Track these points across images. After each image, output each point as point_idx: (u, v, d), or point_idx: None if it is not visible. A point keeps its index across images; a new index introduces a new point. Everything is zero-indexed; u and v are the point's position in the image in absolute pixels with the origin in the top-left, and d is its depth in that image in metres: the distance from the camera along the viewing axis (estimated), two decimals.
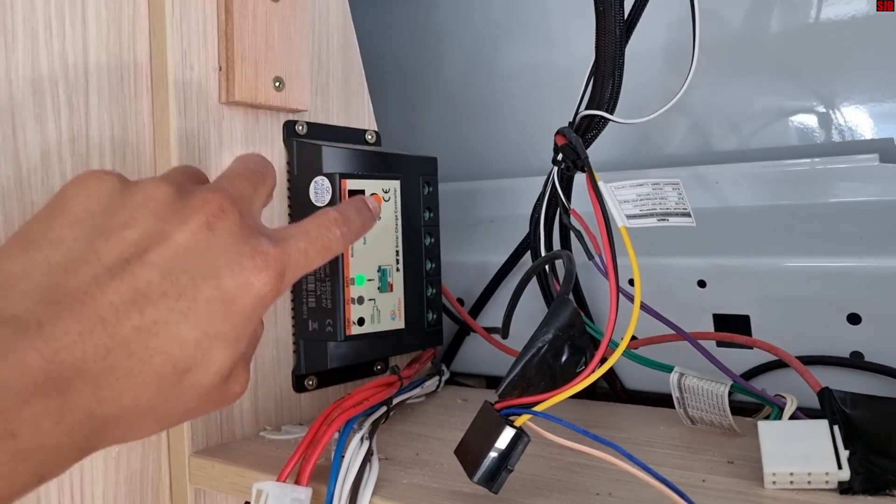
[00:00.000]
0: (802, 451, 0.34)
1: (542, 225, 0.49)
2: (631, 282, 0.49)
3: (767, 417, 0.41)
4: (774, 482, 0.34)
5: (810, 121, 0.56)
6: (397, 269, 0.49)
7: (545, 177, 0.48)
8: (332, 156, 0.46)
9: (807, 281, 0.47)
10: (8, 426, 0.24)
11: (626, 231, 0.37)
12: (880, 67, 0.53)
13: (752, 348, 0.49)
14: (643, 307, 0.43)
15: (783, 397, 0.40)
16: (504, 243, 0.60)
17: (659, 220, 0.38)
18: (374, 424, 0.41)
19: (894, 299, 0.45)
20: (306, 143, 0.47)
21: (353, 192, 0.46)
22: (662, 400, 0.47)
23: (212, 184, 0.32)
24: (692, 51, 0.42)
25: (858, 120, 0.54)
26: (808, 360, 0.46)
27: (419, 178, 0.51)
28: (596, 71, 0.44)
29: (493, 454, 0.33)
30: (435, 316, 0.52)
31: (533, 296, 0.52)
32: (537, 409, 0.33)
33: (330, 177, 0.46)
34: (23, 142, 0.38)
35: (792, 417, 0.39)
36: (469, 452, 0.34)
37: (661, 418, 0.46)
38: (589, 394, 0.56)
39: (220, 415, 0.44)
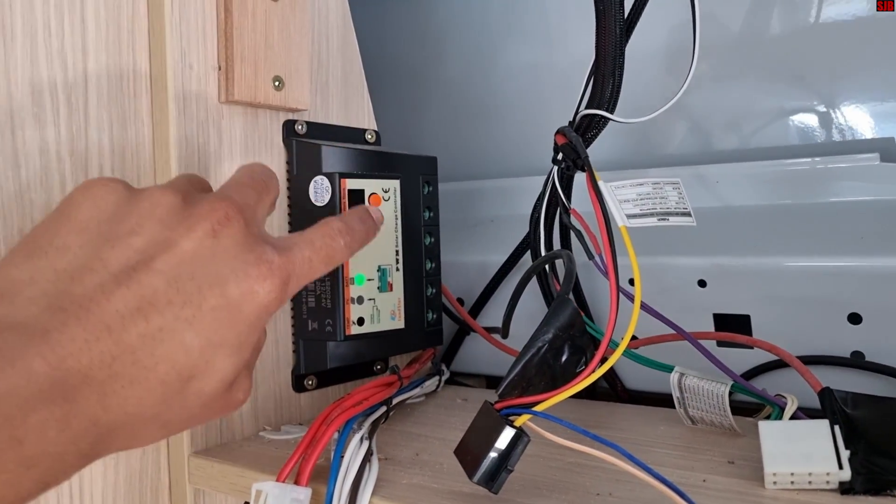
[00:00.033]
0: (803, 451, 0.34)
1: (542, 224, 0.49)
2: (631, 281, 0.49)
3: (768, 417, 0.41)
4: (775, 482, 0.34)
5: (811, 120, 0.55)
6: (397, 269, 0.49)
7: (545, 176, 0.48)
8: (332, 155, 0.46)
9: (807, 280, 0.47)
10: (14, 433, 0.24)
11: (626, 230, 0.37)
12: (881, 67, 0.53)
13: (752, 348, 0.49)
14: (643, 307, 0.43)
15: (784, 397, 0.40)
16: (504, 243, 0.60)
17: (659, 220, 0.38)
18: (374, 424, 0.41)
19: (895, 299, 0.45)
20: (306, 142, 0.47)
21: (352, 192, 0.46)
22: (663, 400, 0.47)
23: (217, 192, 0.32)
24: (692, 50, 0.42)
25: (859, 119, 0.54)
26: (809, 360, 0.46)
27: (419, 178, 0.51)
28: (596, 70, 0.43)
29: (492, 454, 0.32)
30: (435, 316, 0.52)
31: (533, 295, 0.52)
32: (537, 409, 0.33)
33: (329, 176, 0.46)
34: (21, 141, 0.38)
35: (793, 417, 0.39)
36: (469, 452, 0.34)
37: (661, 418, 0.46)
38: (589, 394, 0.56)
39: None
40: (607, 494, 0.34)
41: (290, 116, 0.48)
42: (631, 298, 0.36)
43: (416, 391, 0.51)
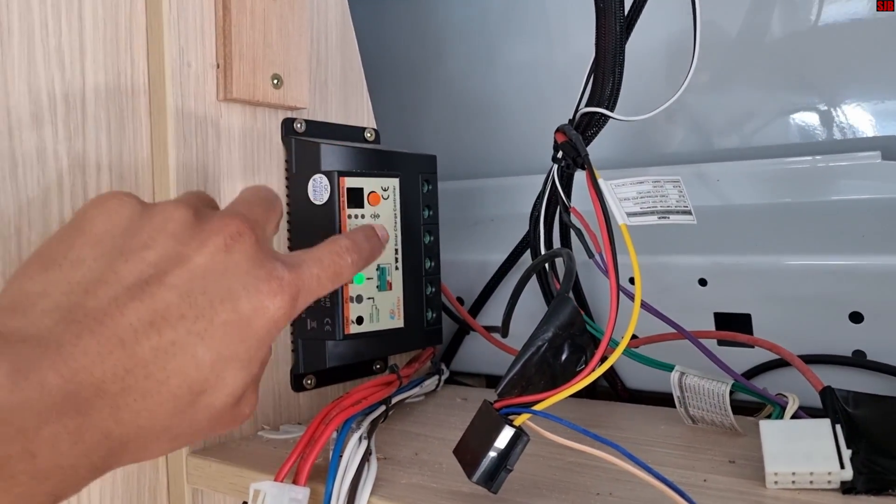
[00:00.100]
0: (804, 450, 0.33)
1: (542, 223, 0.49)
2: (631, 280, 0.49)
3: (769, 417, 0.40)
4: (776, 482, 0.33)
5: (812, 118, 0.55)
6: (396, 268, 0.49)
7: (545, 175, 0.48)
8: (331, 153, 0.46)
9: (808, 279, 0.47)
10: (28, 446, 0.24)
11: (626, 229, 0.36)
12: (883, 65, 0.53)
13: (753, 347, 0.49)
14: (644, 306, 0.42)
15: (785, 396, 0.39)
16: (504, 242, 0.60)
17: (660, 218, 0.38)
18: (373, 424, 0.41)
19: None
20: (305, 140, 0.47)
21: (351, 190, 0.46)
22: (663, 399, 0.47)
23: (226, 209, 0.33)
24: (693, 48, 0.42)
25: (860, 118, 0.54)
26: (810, 359, 0.46)
27: (418, 176, 0.50)
28: (596, 68, 0.43)
29: (492, 454, 0.32)
30: (434, 315, 0.52)
31: (533, 294, 0.52)
32: (537, 408, 0.33)
33: (328, 174, 0.45)
34: (18, 140, 0.38)
35: (794, 416, 0.38)
36: (468, 452, 0.34)
37: (661, 417, 0.46)
38: (589, 393, 0.56)
39: None
40: (607, 494, 0.34)
41: (289, 115, 0.48)
42: (631, 297, 0.36)
43: (416, 390, 0.50)
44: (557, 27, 0.67)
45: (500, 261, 0.59)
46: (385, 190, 0.48)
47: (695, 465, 0.37)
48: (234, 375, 0.29)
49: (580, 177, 0.42)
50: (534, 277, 0.53)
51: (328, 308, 0.45)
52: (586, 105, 0.44)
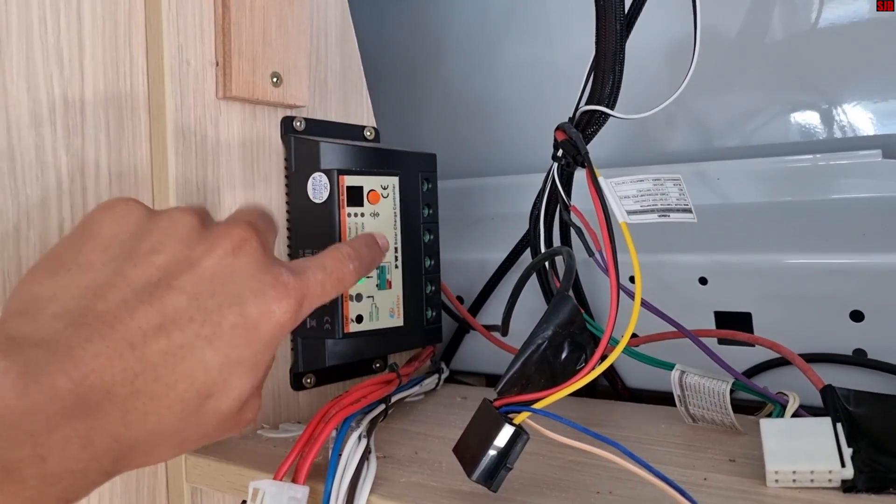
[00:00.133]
0: (805, 448, 0.33)
1: (541, 221, 0.49)
2: (631, 279, 0.49)
3: (770, 415, 0.40)
4: (777, 480, 0.33)
5: (813, 117, 0.55)
6: (396, 266, 0.48)
7: (545, 173, 0.48)
8: (331, 152, 0.46)
9: (809, 278, 0.47)
10: (38, 450, 0.24)
11: (626, 227, 0.36)
12: (884, 63, 0.53)
13: (753, 346, 0.49)
14: (644, 304, 0.42)
15: (785, 395, 0.39)
16: (504, 241, 0.59)
17: (660, 216, 0.38)
18: (373, 422, 0.41)
19: None
20: (304, 138, 0.47)
21: (351, 189, 0.46)
22: (664, 398, 0.47)
23: (230, 217, 0.34)
24: (693, 47, 0.42)
25: (861, 116, 0.53)
26: (811, 358, 0.46)
27: (418, 175, 0.50)
28: (596, 66, 0.43)
29: (491, 452, 0.32)
30: (434, 313, 0.52)
31: (533, 293, 0.52)
32: (537, 406, 0.32)
33: (328, 173, 0.45)
34: (17, 137, 0.38)
35: (794, 415, 0.38)
36: (468, 450, 0.34)
37: (662, 416, 0.46)
38: (589, 392, 0.56)
39: None
40: (607, 493, 0.34)
41: (289, 113, 0.48)
42: (631, 296, 0.36)
43: (415, 389, 0.50)
44: (557, 26, 0.67)
45: (500, 259, 0.59)
46: (385, 188, 0.48)
47: (695, 464, 0.37)
48: (240, 379, 0.30)
49: (580, 175, 0.41)
50: (534, 276, 0.52)
51: (328, 306, 0.45)
52: (586, 103, 0.44)
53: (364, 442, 0.37)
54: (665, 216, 0.38)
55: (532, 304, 0.51)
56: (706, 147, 0.59)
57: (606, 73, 0.43)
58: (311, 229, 0.46)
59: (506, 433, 0.32)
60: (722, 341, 0.50)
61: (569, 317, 0.34)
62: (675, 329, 0.44)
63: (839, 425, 0.34)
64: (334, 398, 0.41)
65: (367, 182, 0.47)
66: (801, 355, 0.41)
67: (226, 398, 0.29)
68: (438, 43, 0.75)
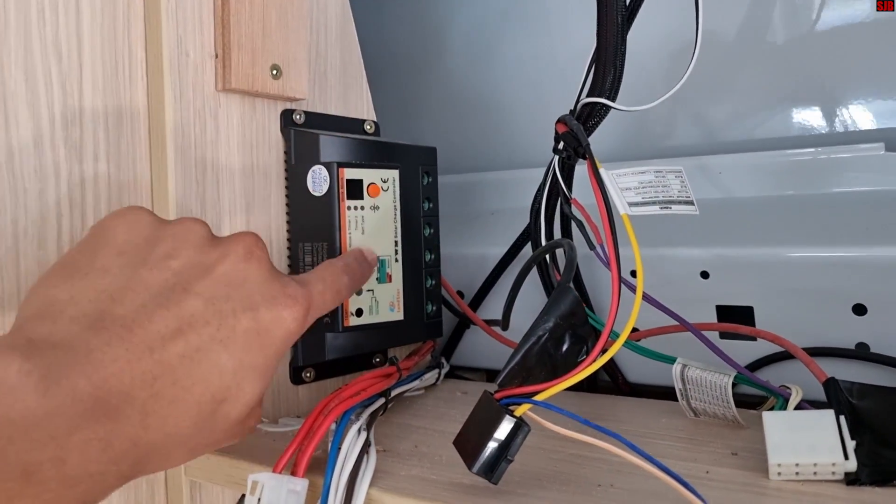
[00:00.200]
0: (808, 441, 0.33)
1: (542, 215, 0.48)
2: (633, 273, 0.49)
3: (772, 409, 0.40)
4: (780, 473, 0.33)
5: (815, 111, 0.55)
6: (396, 260, 0.48)
7: (545, 167, 0.47)
8: (330, 144, 0.46)
9: (811, 272, 0.47)
10: (59, 453, 0.24)
11: (627, 218, 0.36)
12: (887, 57, 0.53)
13: (755, 339, 0.48)
14: (645, 297, 0.42)
15: (788, 388, 0.39)
16: (504, 235, 0.59)
17: (661, 208, 0.38)
18: (372, 416, 0.40)
19: None
20: (304, 131, 0.47)
21: (351, 182, 0.46)
22: (665, 393, 0.46)
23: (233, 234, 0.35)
24: (695, 40, 0.41)
25: (864, 110, 0.53)
26: (813, 352, 0.46)
27: (418, 168, 0.50)
28: (597, 59, 0.43)
29: (492, 444, 0.32)
30: (434, 307, 0.52)
31: (534, 287, 0.51)
32: (538, 398, 0.32)
33: (328, 166, 0.45)
34: (15, 129, 0.38)
35: (797, 408, 0.38)
36: (468, 443, 0.34)
37: (663, 410, 0.45)
38: (590, 387, 0.56)
39: None
40: (608, 485, 0.34)
41: (288, 106, 0.48)
42: (632, 289, 0.35)
43: (415, 384, 0.50)
44: (558, 20, 0.67)
45: (501, 254, 0.59)
46: (385, 182, 0.48)
47: (697, 458, 0.37)
48: (251, 385, 0.30)
49: (581, 170, 0.41)
50: (534, 271, 0.52)
51: None
52: (587, 96, 0.44)
53: (364, 435, 0.37)
54: (667, 208, 0.38)
55: (533, 298, 0.50)
56: (707, 141, 0.59)
57: (607, 66, 0.42)
58: (311, 222, 0.46)
59: (506, 425, 0.32)
60: (724, 335, 0.50)
61: (570, 309, 0.34)
62: (676, 323, 0.44)
63: (842, 418, 0.33)
64: (334, 392, 0.41)
65: (367, 175, 0.47)
66: (803, 349, 0.41)
67: (237, 403, 0.30)
68: (439, 38, 0.75)
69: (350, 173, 0.46)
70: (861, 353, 0.46)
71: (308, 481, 0.35)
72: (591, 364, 0.33)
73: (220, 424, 0.30)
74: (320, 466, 0.35)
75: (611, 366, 0.55)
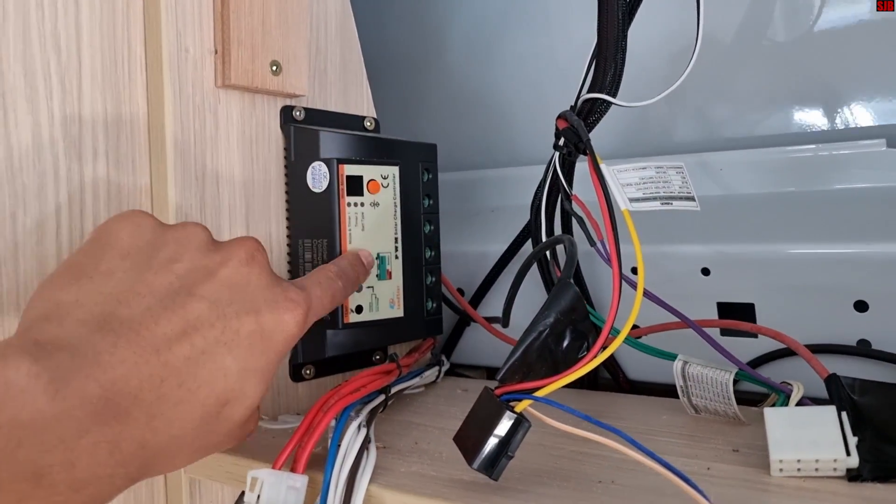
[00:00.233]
0: (810, 437, 0.33)
1: (543, 212, 0.48)
2: (634, 270, 0.49)
3: (773, 405, 0.40)
4: (781, 469, 0.33)
5: (817, 108, 0.55)
6: (396, 257, 0.48)
7: (546, 165, 0.47)
8: (330, 141, 0.46)
9: (813, 268, 0.47)
10: (68, 456, 0.24)
11: (628, 214, 0.36)
12: (887, 56, 0.52)
13: (756, 336, 0.48)
14: (646, 294, 0.42)
15: (789, 384, 0.39)
16: (504, 233, 0.59)
17: (662, 204, 0.38)
18: (372, 412, 0.40)
19: None
20: (304, 128, 0.46)
21: (351, 178, 0.45)
22: (666, 391, 0.46)
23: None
24: (696, 36, 0.41)
25: (866, 106, 0.53)
26: (815, 349, 0.45)
27: (418, 165, 0.50)
28: (598, 54, 0.43)
29: (492, 440, 0.32)
30: (434, 304, 0.52)
31: (534, 284, 0.51)
32: (538, 394, 0.32)
33: (328, 162, 0.45)
34: (13, 123, 0.37)
35: (798, 404, 0.38)
36: (468, 439, 0.34)
37: (664, 408, 0.45)
38: (591, 384, 0.55)
39: None
40: (609, 482, 0.33)
41: (288, 102, 0.47)
42: (633, 286, 0.35)
43: (416, 381, 0.50)
44: (558, 17, 0.67)
45: (501, 251, 0.59)
46: (385, 178, 0.47)
47: (698, 454, 0.37)
48: (254, 388, 0.30)
49: (582, 167, 0.41)
50: (535, 268, 0.52)
51: None
52: (588, 91, 0.43)
53: (364, 431, 0.36)
54: (668, 204, 0.37)
55: (533, 295, 0.50)
56: (708, 138, 0.59)
57: (608, 61, 0.42)
58: (311, 219, 0.46)
59: (507, 421, 0.32)
60: (725, 332, 0.50)
61: (571, 304, 0.34)
62: (677, 319, 0.44)
63: (844, 414, 0.33)
64: (333, 388, 0.41)
65: (367, 171, 0.46)
66: (804, 346, 0.41)
67: (239, 406, 0.30)
68: (439, 36, 0.75)
69: (350, 170, 0.45)
70: (863, 349, 0.46)
71: (308, 478, 0.35)
72: (591, 360, 0.33)
73: (224, 426, 0.30)
74: (320, 463, 0.35)
75: (612, 363, 0.55)
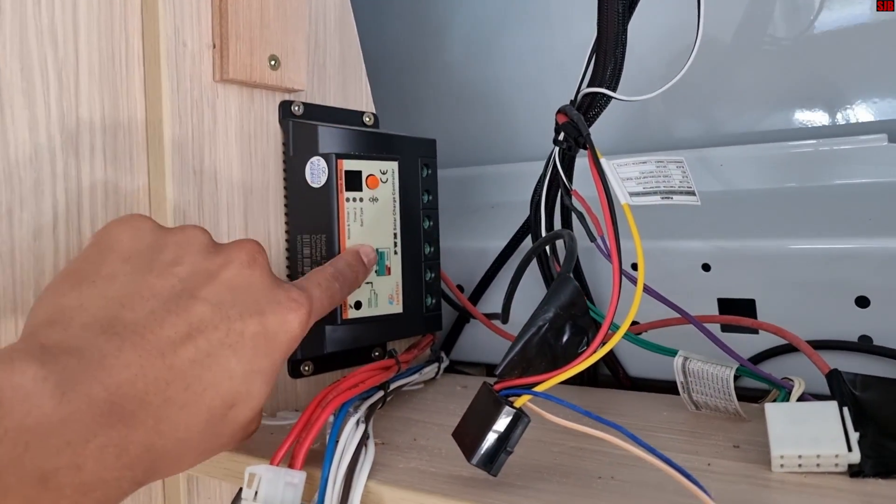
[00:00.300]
0: (811, 433, 0.33)
1: (542, 207, 0.48)
2: (634, 266, 0.48)
3: (774, 402, 0.40)
4: (782, 465, 0.33)
5: (817, 103, 0.54)
6: (395, 252, 0.48)
7: (545, 160, 0.47)
8: (329, 136, 0.45)
9: (814, 264, 0.46)
10: (75, 459, 0.24)
11: (628, 209, 0.36)
12: (888, 55, 0.52)
13: (757, 332, 0.48)
14: (646, 290, 0.42)
15: (790, 380, 0.39)
16: (504, 229, 0.59)
17: (663, 198, 0.37)
18: (371, 408, 0.40)
19: None
20: (302, 122, 0.46)
21: (349, 173, 0.45)
22: (666, 388, 0.46)
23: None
24: (696, 31, 0.41)
25: (867, 101, 0.53)
26: (816, 345, 0.45)
27: (418, 160, 0.50)
28: (598, 48, 0.43)
29: (491, 436, 0.32)
30: (434, 301, 0.51)
31: (534, 281, 0.51)
32: (538, 389, 0.32)
33: (326, 157, 0.45)
34: (10, 118, 0.37)
35: (800, 400, 0.37)
36: (467, 435, 0.33)
37: (664, 404, 0.45)
38: (591, 381, 0.55)
39: None
40: (609, 478, 0.33)
41: (287, 97, 0.47)
42: (633, 281, 0.35)
43: (415, 377, 0.50)
44: (558, 13, 0.67)
45: (500, 248, 0.59)
46: (384, 173, 0.47)
47: (699, 450, 0.37)
48: (259, 389, 0.31)
49: (582, 162, 0.41)
50: (535, 264, 0.52)
51: None
52: (588, 86, 0.43)
53: (362, 427, 0.36)
54: (668, 198, 0.37)
55: (533, 291, 0.50)
56: (709, 133, 0.58)
57: (608, 55, 0.42)
58: (310, 214, 0.45)
59: (506, 416, 0.32)
60: (725, 328, 0.49)
61: (570, 299, 0.34)
62: (678, 315, 0.43)
63: (846, 409, 0.33)
64: (332, 384, 0.41)
65: (366, 167, 0.46)
66: (805, 342, 0.41)
67: (245, 408, 0.30)
68: (439, 32, 0.74)
69: (349, 165, 0.45)
70: (864, 345, 0.45)
71: (306, 474, 0.34)
72: (591, 355, 0.33)
73: (229, 428, 0.30)
74: (318, 459, 0.35)
75: (612, 359, 0.55)
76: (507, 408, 0.32)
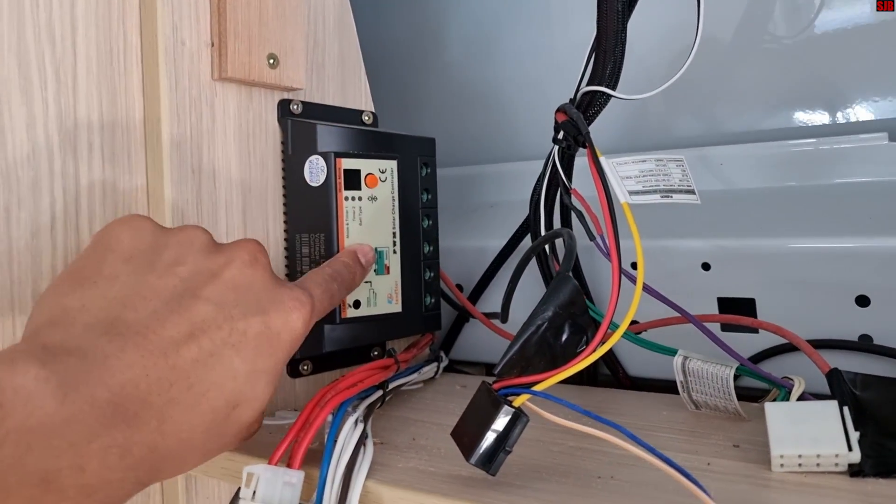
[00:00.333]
0: (811, 432, 0.32)
1: (542, 206, 0.48)
2: (633, 265, 0.48)
3: (774, 401, 0.40)
4: (782, 465, 0.33)
5: (818, 102, 0.54)
6: (394, 252, 0.48)
7: (545, 159, 0.47)
8: (328, 134, 0.45)
9: (814, 263, 0.46)
10: (78, 460, 0.24)
11: (628, 207, 0.36)
12: (888, 54, 0.52)
13: (757, 331, 0.48)
14: (646, 289, 0.42)
15: (790, 379, 0.38)
16: (503, 228, 0.59)
17: (662, 197, 0.37)
18: (370, 408, 0.40)
19: None
20: (301, 121, 0.46)
21: (348, 172, 0.45)
22: (666, 387, 0.46)
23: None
24: (696, 30, 0.41)
25: (867, 100, 0.53)
26: (816, 345, 0.45)
27: (417, 159, 0.50)
28: (598, 46, 0.42)
29: (490, 435, 0.32)
30: (433, 300, 0.51)
31: (533, 280, 0.51)
32: (537, 388, 0.32)
33: (325, 156, 0.45)
34: (8, 116, 0.37)
35: (800, 400, 0.37)
36: (466, 434, 0.33)
37: (664, 403, 0.45)
38: (590, 380, 0.55)
39: None
40: (609, 477, 0.33)
41: (286, 96, 0.47)
42: (633, 281, 0.35)
43: (414, 377, 0.49)
44: (558, 12, 0.66)
45: (500, 247, 0.59)
46: (383, 172, 0.47)
47: (698, 450, 0.36)
48: (263, 389, 0.30)
49: (581, 161, 0.41)
50: (534, 263, 0.52)
51: None
52: (587, 84, 0.43)
53: (361, 426, 0.36)
54: (668, 197, 0.37)
55: (532, 291, 0.50)
56: (709, 132, 0.58)
57: (608, 54, 0.42)
58: (308, 213, 0.45)
59: (505, 416, 0.32)
60: (725, 327, 0.49)
61: (569, 298, 0.34)
62: (678, 314, 0.43)
63: (846, 409, 0.33)
64: (330, 383, 0.41)
65: (365, 165, 0.46)
66: (805, 341, 0.41)
67: (248, 408, 0.30)
68: (438, 31, 0.74)
69: (347, 163, 0.45)
70: (864, 345, 0.45)
71: (304, 473, 0.34)
72: (590, 354, 0.32)
73: (232, 428, 0.30)
74: (316, 458, 0.35)
75: (611, 359, 0.54)
76: (505, 407, 0.32)
